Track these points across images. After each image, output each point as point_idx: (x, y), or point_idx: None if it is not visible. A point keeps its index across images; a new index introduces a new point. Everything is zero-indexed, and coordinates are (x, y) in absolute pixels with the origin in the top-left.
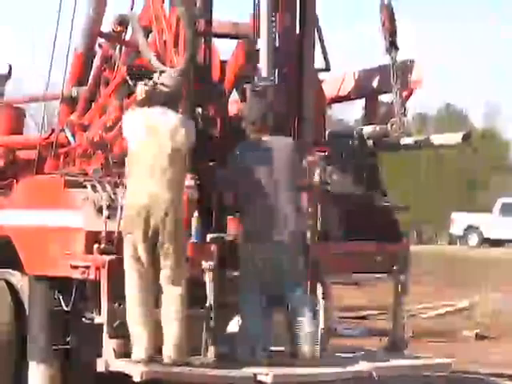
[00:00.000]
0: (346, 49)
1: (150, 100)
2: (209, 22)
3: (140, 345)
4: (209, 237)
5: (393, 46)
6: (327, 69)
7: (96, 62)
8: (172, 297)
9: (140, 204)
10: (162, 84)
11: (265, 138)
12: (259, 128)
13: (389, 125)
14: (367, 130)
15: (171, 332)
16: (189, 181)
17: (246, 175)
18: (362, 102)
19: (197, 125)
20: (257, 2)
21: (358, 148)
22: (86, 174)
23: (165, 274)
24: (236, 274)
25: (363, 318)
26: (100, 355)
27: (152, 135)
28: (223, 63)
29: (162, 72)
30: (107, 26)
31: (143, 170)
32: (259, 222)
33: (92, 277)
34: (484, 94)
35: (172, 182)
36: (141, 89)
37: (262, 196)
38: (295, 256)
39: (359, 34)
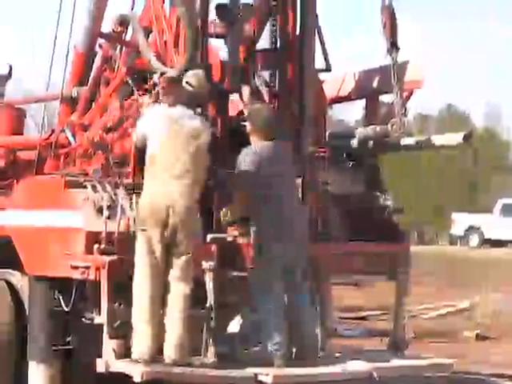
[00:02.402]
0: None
1: (173, 97)
2: (206, 22)
3: (142, 343)
4: (209, 237)
5: (393, 46)
6: (328, 69)
7: (96, 62)
8: (179, 296)
9: (160, 204)
10: (187, 83)
11: (269, 141)
12: (266, 133)
13: (389, 125)
14: (368, 130)
15: (173, 332)
16: None
17: (260, 178)
18: (362, 103)
19: None
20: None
21: (359, 148)
22: (87, 175)
23: (176, 272)
24: (241, 273)
25: (363, 318)
26: (100, 355)
27: (175, 136)
28: (223, 63)
29: (161, 74)
30: (108, 26)
31: (164, 171)
32: (277, 223)
33: (92, 277)
34: (484, 94)
35: (193, 183)
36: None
37: (278, 197)
38: (303, 256)
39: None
